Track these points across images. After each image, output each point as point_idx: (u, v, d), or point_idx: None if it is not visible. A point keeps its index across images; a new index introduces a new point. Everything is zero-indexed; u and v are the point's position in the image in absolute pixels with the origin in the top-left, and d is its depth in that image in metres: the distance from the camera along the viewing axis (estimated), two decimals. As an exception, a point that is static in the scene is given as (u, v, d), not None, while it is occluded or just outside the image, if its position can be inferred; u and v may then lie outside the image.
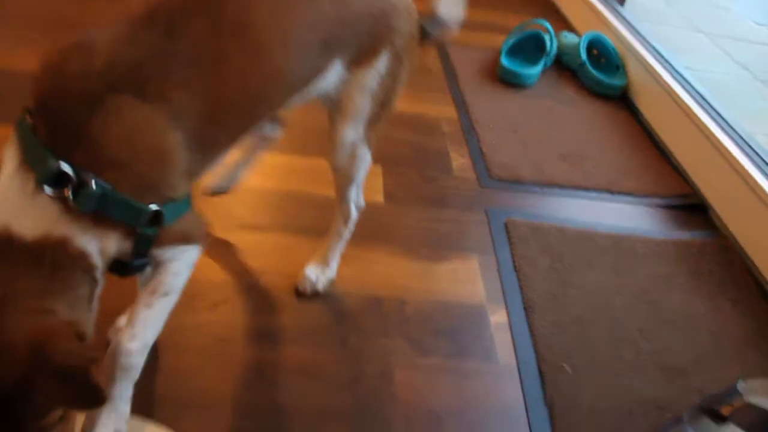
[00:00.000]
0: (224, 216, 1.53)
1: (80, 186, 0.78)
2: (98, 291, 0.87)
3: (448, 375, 1.29)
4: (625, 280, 1.60)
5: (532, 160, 1.99)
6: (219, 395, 1.17)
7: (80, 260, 0.82)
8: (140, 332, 0.93)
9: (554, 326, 1.44)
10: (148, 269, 0.94)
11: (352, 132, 1.20)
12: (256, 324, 1.32)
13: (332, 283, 1.41)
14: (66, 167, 0.78)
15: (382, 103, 1.20)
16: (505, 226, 1.70)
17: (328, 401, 1.20)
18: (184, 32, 0.87)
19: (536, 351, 1.38)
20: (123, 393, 0.95)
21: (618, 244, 1.71)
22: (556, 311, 1.48)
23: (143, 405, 1.06)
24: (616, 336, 1.45)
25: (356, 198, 1.36)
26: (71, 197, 0.78)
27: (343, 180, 1.30)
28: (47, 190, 0.78)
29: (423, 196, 1.76)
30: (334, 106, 1.18)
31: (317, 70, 1.08)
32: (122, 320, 1.19)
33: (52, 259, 0.79)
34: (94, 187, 0.79)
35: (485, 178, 1.88)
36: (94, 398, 0.76)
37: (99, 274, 0.85)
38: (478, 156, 1.97)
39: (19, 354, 0.74)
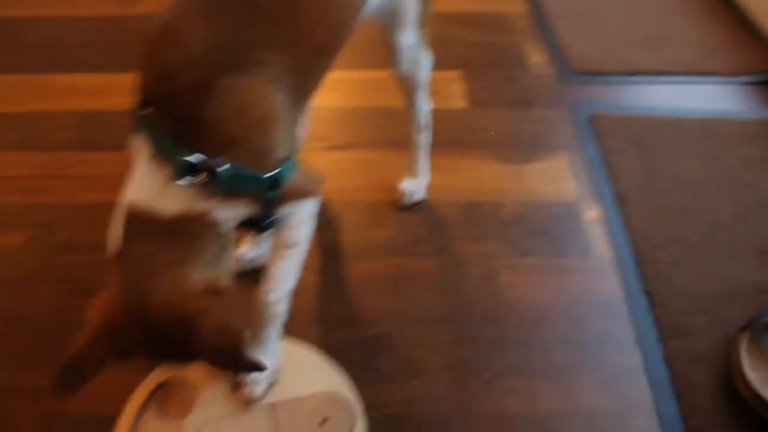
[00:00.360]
0: (313, 138, 1.58)
1: (212, 172, 0.84)
2: (232, 252, 0.94)
3: (548, 273, 1.35)
4: (716, 164, 1.60)
5: (610, 48, 1.95)
6: (338, 309, 1.27)
7: (214, 228, 0.88)
8: (277, 284, 1.04)
9: (647, 217, 1.46)
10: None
11: (408, 36, 1.24)
12: (360, 239, 1.40)
13: (428, 188, 1.48)
14: (196, 158, 0.83)
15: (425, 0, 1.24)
16: (590, 120, 1.70)
17: (439, 306, 1.28)
18: None
19: (631, 243, 1.41)
20: (273, 335, 1.08)
21: (707, 129, 1.69)
22: (649, 202, 1.50)
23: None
24: (710, 222, 1.46)
25: (424, 103, 1.39)
26: (205, 182, 0.84)
27: (410, 87, 1.34)
28: (183, 180, 0.84)
29: (505, 97, 1.76)
30: (387, 16, 1.21)
31: None
32: (243, 249, 1.29)
33: (189, 232, 0.86)
34: (224, 171, 0.84)
35: (565, 73, 1.86)
36: (252, 369, 0.86)
37: (229, 238, 0.92)
38: (555, 50, 1.94)
39: (169, 325, 0.84)
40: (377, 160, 1.56)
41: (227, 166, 0.85)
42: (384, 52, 1.27)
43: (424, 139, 1.44)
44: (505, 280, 1.33)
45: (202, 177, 0.84)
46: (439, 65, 1.80)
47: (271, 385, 1.12)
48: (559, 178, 1.54)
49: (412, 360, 1.20)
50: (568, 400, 1.15)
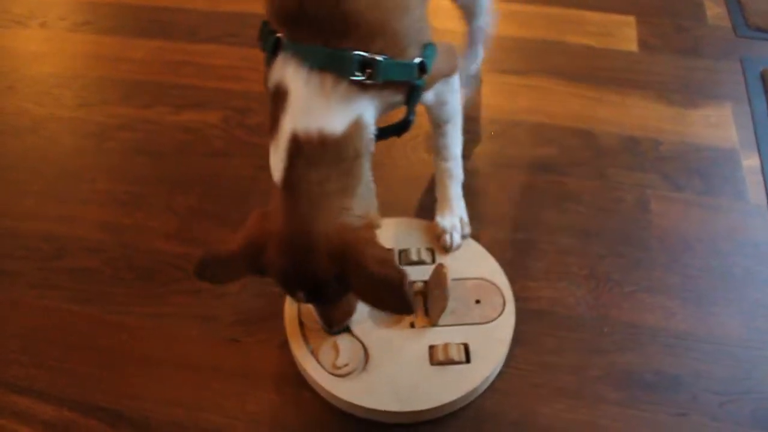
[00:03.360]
0: (487, 61, 1.70)
1: (373, 63, 0.86)
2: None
3: (699, 209, 1.42)
4: None
5: (794, 8, 1.92)
6: (496, 210, 1.41)
7: (366, 137, 0.90)
8: (447, 153, 1.20)
9: (808, 173, 1.48)
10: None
11: None
12: (524, 154, 1.52)
13: (594, 119, 1.60)
14: (358, 54, 0.85)
15: None
16: (762, 75, 1.71)
17: (591, 222, 1.39)
18: None
19: (788, 195, 1.44)
20: (456, 193, 1.25)
21: None
22: (812, 159, 1.51)
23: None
24: None
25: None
26: (365, 78, 0.86)
27: None
28: (353, 77, 0.85)
29: (676, 44, 1.80)
30: None
31: None
32: None
33: (352, 149, 0.89)
34: (384, 60, 0.86)
35: (741, 27, 1.86)
36: (407, 309, 0.86)
37: (371, 146, 0.94)
38: (734, 4, 1.93)
39: (333, 256, 0.87)
40: (544, 87, 1.66)
41: (382, 56, 0.87)
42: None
43: None
44: (657, 209, 1.41)
45: (367, 71, 0.86)
46: (614, 9, 1.87)
47: (465, 236, 1.28)
48: (722, 125, 1.58)
49: (560, 265, 1.32)
50: (703, 324, 1.23)
